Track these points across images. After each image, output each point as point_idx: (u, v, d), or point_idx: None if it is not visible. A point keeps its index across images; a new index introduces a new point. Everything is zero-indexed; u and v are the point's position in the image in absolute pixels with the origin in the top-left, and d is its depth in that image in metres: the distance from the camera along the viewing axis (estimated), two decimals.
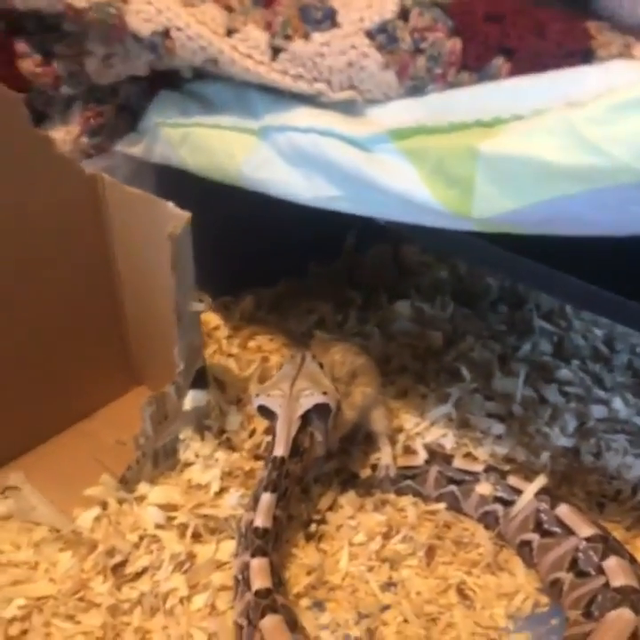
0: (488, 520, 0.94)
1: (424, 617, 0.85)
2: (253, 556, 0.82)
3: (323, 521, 0.95)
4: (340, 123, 0.82)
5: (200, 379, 1.01)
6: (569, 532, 0.86)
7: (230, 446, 1.01)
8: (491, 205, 0.71)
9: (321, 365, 0.94)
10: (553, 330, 1.26)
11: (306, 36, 0.82)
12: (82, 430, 1.07)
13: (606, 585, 0.80)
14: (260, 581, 0.80)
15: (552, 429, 1.06)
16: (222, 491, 0.97)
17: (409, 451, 1.01)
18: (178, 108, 0.98)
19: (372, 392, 0.98)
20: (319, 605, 0.87)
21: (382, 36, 0.79)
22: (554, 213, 0.69)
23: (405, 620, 0.85)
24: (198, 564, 0.89)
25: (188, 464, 1.00)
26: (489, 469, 0.95)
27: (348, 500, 0.97)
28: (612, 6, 0.78)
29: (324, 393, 0.90)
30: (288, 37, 0.83)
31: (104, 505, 0.95)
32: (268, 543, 0.83)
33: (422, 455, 0.99)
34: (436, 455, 0.99)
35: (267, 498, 0.86)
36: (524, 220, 0.71)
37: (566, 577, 0.84)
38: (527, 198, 0.68)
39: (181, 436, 1.00)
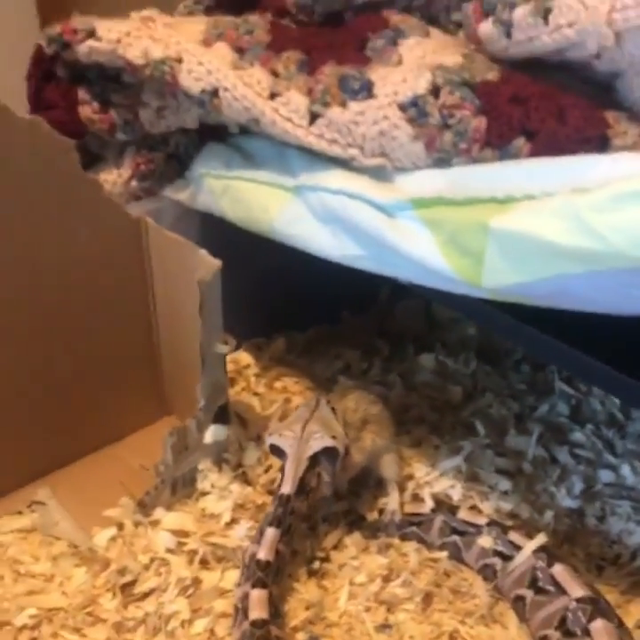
0: (487, 572, 0.94)
1: None
2: (254, 586, 0.84)
3: (326, 559, 0.96)
4: (369, 188, 0.85)
5: (222, 414, 1.03)
6: (561, 591, 0.86)
7: (245, 480, 1.03)
8: (499, 277, 0.74)
9: (334, 410, 0.96)
10: (572, 393, 1.25)
11: (343, 104, 0.86)
12: (110, 454, 1.10)
13: None
14: (257, 612, 0.82)
15: (559, 490, 1.06)
16: (233, 521, 0.98)
17: (417, 498, 1.02)
18: (222, 160, 1.02)
19: (381, 440, 1.00)
20: None
21: (413, 110, 0.83)
22: (556, 289, 0.72)
23: None
24: (202, 590, 0.90)
25: (203, 493, 1.01)
26: (492, 523, 0.96)
27: (354, 540, 0.98)
28: (634, 97, 0.81)
29: (333, 437, 0.92)
30: (326, 104, 0.87)
31: (121, 526, 0.97)
32: (269, 576, 0.85)
33: (429, 504, 1.00)
34: (443, 505, 1.00)
35: (271, 532, 0.88)
36: (529, 294, 0.74)
37: (554, 635, 0.84)
38: (532, 273, 0.72)
39: (200, 467, 1.02)
